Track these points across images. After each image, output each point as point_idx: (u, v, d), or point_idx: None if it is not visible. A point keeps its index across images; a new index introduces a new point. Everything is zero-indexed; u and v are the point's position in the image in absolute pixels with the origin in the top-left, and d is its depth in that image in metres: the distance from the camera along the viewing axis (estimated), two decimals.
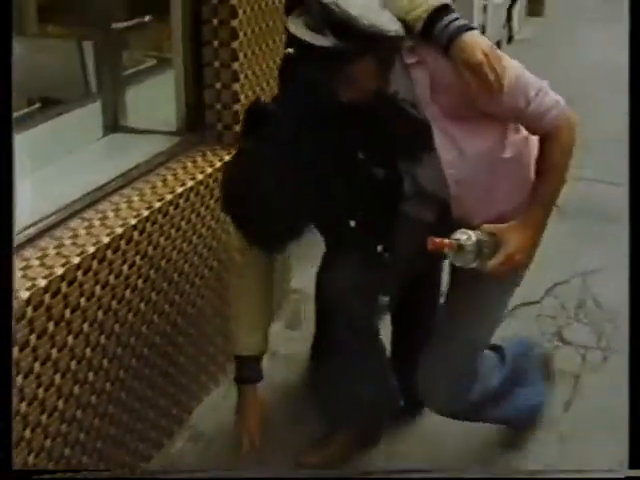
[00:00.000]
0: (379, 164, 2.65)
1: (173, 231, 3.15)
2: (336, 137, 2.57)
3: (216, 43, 3.51)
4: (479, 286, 2.75)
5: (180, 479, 2.45)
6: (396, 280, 2.95)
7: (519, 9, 11.12)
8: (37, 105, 3.50)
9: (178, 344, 3.30)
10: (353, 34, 2.35)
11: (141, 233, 2.95)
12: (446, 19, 2.44)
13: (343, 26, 2.34)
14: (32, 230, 2.68)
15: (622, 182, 5.81)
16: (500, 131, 2.65)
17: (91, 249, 2.68)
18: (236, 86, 3.53)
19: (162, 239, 3.08)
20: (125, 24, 3.70)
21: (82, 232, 2.78)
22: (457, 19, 2.46)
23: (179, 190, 3.19)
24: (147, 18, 3.83)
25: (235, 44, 3.49)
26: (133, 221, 2.91)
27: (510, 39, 10.50)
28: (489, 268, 2.51)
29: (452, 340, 2.85)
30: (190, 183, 3.26)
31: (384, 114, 2.56)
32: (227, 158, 3.49)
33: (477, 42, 2.42)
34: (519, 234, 2.55)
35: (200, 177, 3.32)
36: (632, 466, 1.96)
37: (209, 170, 3.38)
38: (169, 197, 3.13)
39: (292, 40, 2.47)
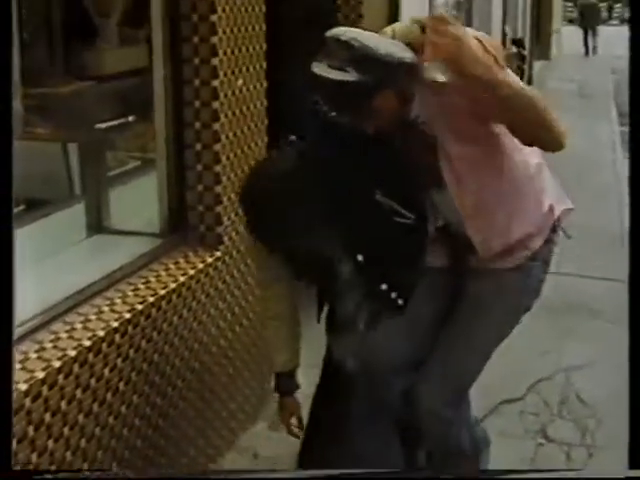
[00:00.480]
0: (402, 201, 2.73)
1: (155, 334, 3.15)
2: (358, 173, 2.67)
3: (199, 146, 3.56)
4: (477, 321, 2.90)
5: (181, 479, 2.41)
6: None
7: None
8: (22, 207, 3.53)
9: (159, 446, 3.27)
10: (373, 65, 2.49)
11: (123, 336, 2.95)
12: None
13: (363, 59, 2.48)
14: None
15: (603, 276, 5.94)
16: (504, 161, 2.76)
17: (72, 353, 2.67)
18: (218, 188, 3.57)
19: (144, 342, 3.08)
20: (109, 124, 3.75)
21: (64, 335, 2.78)
22: None
23: (161, 292, 3.20)
24: (131, 118, 3.90)
25: (217, 147, 3.55)
26: (115, 324, 2.91)
27: None
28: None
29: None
30: (172, 285, 3.27)
31: (407, 142, 2.71)
32: (210, 260, 3.52)
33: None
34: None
35: (182, 279, 3.33)
36: (632, 466, 1.95)
37: (191, 272, 3.40)
38: (151, 299, 3.14)
39: (315, 85, 2.59)
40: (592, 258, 6.47)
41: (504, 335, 3.05)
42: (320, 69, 2.53)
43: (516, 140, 2.70)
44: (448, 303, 3.03)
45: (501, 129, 2.69)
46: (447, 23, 2.42)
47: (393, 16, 5.78)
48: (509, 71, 2.59)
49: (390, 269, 2.82)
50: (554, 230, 2.97)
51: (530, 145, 2.73)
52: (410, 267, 2.86)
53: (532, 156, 2.87)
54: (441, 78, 2.49)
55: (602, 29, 51.47)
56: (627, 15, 66.77)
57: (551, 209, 2.92)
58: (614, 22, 63.28)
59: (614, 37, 39.36)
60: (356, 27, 4.33)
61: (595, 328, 5.23)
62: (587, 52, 26.24)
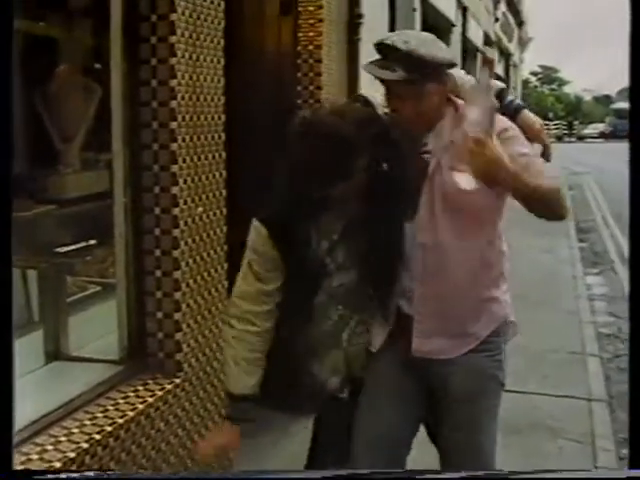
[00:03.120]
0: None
1: (112, 463, 3.11)
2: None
3: (159, 272, 3.58)
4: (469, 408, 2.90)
5: (181, 479, 2.32)
6: None
7: None
8: None
9: None
10: (417, 64, 2.70)
11: (80, 466, 2.91)
12: (510, 96, 3.19)
13: (408, 59, 2.70)
14: None
15: (565, 394, 5.96)
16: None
17: None
18: (178, 315, 3.58)
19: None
20: (69, 248, 3.77)
21: (19, 467, 2.73)
22: (516, 98, 3.10)
23: (120, 421, 3.17)
24: (92, 242, 3.92)
25: (177, 274, 3.57)
26: (72, 454, 2.87)
27: None
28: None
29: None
30: (131, 414, 3.24)
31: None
32: (169, 387, 3.50)
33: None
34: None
35: (141, 407, 3.31)
36: (632, 466, 1.92)
37: (150, 400, 3.37)
38: (109, 428, 3.10)
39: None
40: (553, 376, 6.50)
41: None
42: (370, 69, 2.76)
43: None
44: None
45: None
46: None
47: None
48: (535, 160, 2.93)
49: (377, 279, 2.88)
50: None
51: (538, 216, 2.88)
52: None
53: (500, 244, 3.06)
54: (468, 187, 2.65)
55: (560, 146, 52.85)
56: (585, 132, 68.53)
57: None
58: (572, 139, 65.16)
59: (572, 153, 40.47)
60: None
61: (557, 446, 5.22)
62: None
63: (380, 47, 2.77)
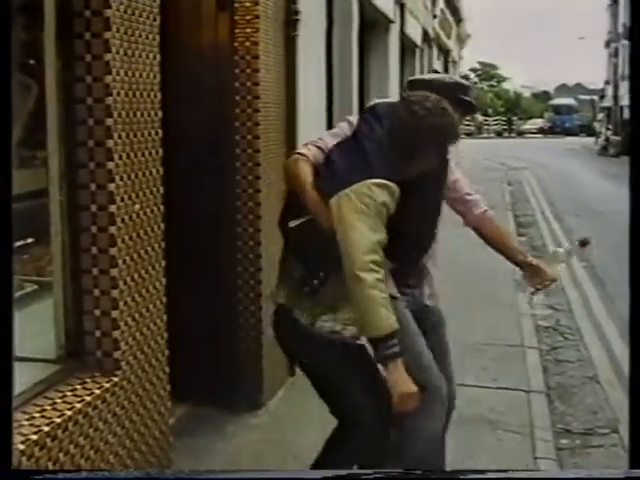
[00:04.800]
0: None
1: (50, 464, 3.08)
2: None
3: (96, 271, 3.55)
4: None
5: (179, 479, 2.31)
6: None
7: None
8: None
9: None
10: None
11: (17, 467, 2.87)
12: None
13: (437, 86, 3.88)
14: None
15: (506, 386, 6.03)
16: None
17: None
18: (115, 313, 3.56)
19: None
20: None
21: None
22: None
23: (57, 420, 3.14)
24: (29, 240, 3.87)
25: (114, 272, 3.55)
26: None
27: None
28: None
29: None
30: (69, 413, 3.21)
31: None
32: (107, 385, 3.47)
33: None
34: None
35: (79, 406, 3.28)
36: (632, 466, 1.95)
37: (88, 399, 3.35)
38: (46, 428, 3.07)
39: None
40: (492, 369, 6.58)
41: None
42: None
43: None
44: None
45: None
46: None
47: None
48: None
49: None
50: None
51: None
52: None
53: None
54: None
55: (501, 142, 53.37)
56: (524, 127, 69.47)
57: None
58: (511, 135, 65.89)
59: (511, 149, 40.92)
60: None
61: (496, 438, 5.29)
62: None
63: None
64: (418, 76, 4.35)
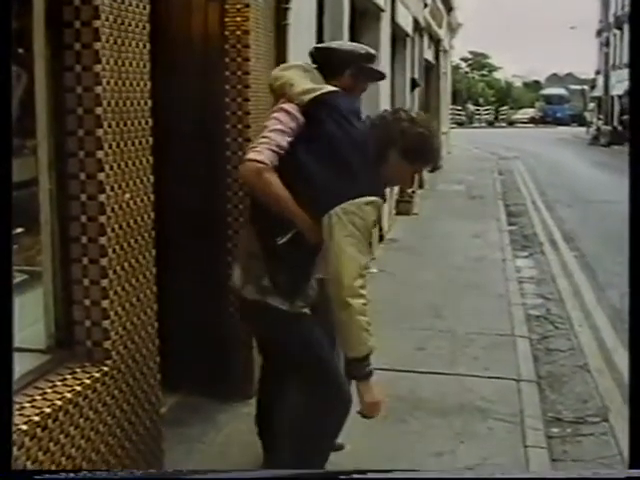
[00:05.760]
0: None
1: (41, 454, 3.07)
2: None
3: (86, 260, 3.55)
4: None
5: (179, 479, 2.32)
6: None
7: (388, 209, 11.56)
8: None
9: None
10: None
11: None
12: None
13: None
14: None
15: (497, 375, 6.05)
16: None
17: None
18: (105, 303, 3.55)
19: (29, 463, 2.99)
20: None
21: None
22: None
23: (47, 410, 3.14)
24: (19, 230, 3.85)
25: (104, 261, 3.54)
26: None
27: (381, 238, 10.88)
28: None
29: None
30: (59, 402, 3.21)
31: None
32: (97, 375, 3.47)
33: None
34: None
35: (69, 396, 3.28)
36: (632, 466, 1.96)
37: (78, 388, 3.34)
38: (37, 418, 3.07)
39: None
40: (483, 358, 6.59)
41: None
42: None
43: None
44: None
45: None
46: None
47: None
48: None
49: None
50: None
51: None
52: None
53: None
54: None
55: (492, 131, 53.39)
56: (515, 117, 69.52)
57: None
58: (502, 124, 65.90)
59: (502, 138, 40.91)
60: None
61: (487, 427, 5.30)
62: None
63: None
64: (323, 44, 4.27)
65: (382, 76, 4.41)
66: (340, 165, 3.57)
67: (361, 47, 4.32)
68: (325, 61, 4.09)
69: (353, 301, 3.47)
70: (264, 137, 3.67)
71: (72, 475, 2.40)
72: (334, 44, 4.47)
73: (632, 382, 2.09)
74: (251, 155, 3.62)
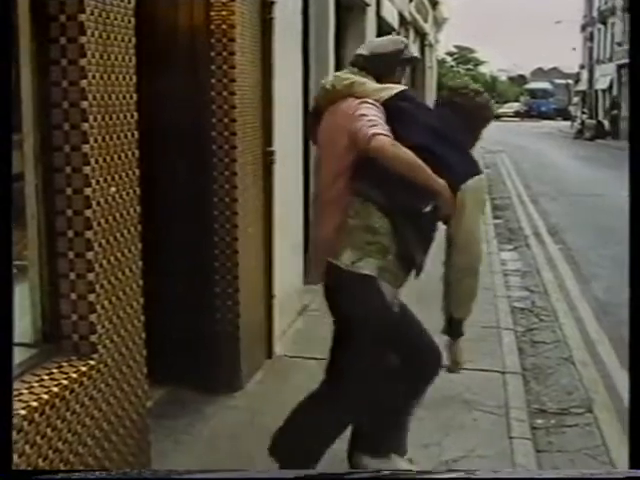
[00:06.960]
0: None
1: (28, 447, 3.08)
2: None
3: (72, 254, 3.55)
4: None
5: (179, 479, 2.33)
6: None
7: None
8: None
9: None
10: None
11: None
12: None
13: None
14: None
15: (482, 367, 6.07)
16: None
17: None
18: (92, 297, 3.55)
19: (15, 457, 2.99)
20: None
21: None
22: None
23: (34, 404, 3.14)
24: None
25: (90, 255, 3.54)
26: None
27: None
28: None
29: None
30: (45, 397, 3.21)
31: None
32: (84, 369, 3.47)
33: None
34: None
35: (56, 390, 3.28)
36: (632, 466, 1.97)
37: (65, 382, 3.35)
38: (23, 412, 3.07)
39: None
40: (468, 350, 6.60)
41: None
42: None
43: None
44: None
45: None
46: None
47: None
48: None
49: None
50: None
51: None
52: None
53: None
54: None
55: None
56: (500, 111, 69.66)
57: None
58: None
59: (487, 132, 40.94)
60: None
61: (472, 418, 5.33)
62: None
63: None
64: (366, 51, 4.20)
65: (418, 61, 4.67)
66: (454, 146, 3.84)
67: (398, 41, 4.41)
68: (375, 66, 4.16)
69: (480, 268, 3.92)
70: (370, 120, 3.77)
71: (71, 475, 2.41)
72: (378, 49, 4.30)
73: (632, 382, 2.10)
74: (375, 130, 3.72)
